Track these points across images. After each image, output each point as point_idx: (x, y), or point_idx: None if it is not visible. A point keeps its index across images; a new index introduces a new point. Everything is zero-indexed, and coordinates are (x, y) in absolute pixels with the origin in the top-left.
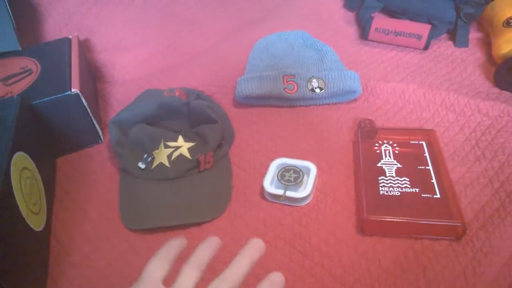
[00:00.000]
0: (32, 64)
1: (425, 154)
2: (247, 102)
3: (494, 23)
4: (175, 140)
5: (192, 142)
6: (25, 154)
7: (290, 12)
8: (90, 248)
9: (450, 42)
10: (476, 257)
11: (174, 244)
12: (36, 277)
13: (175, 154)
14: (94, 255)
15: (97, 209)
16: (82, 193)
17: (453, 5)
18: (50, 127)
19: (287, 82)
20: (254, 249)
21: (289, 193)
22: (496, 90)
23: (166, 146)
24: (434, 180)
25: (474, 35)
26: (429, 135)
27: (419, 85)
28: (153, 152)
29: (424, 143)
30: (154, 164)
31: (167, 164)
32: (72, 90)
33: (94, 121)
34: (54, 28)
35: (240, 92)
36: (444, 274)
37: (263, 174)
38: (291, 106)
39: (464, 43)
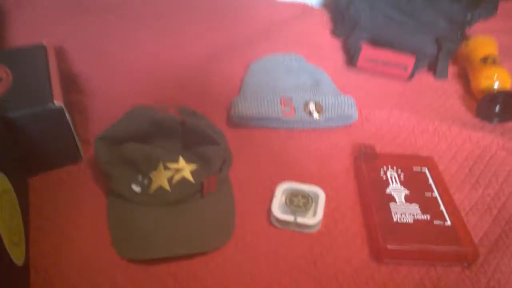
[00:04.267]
0: (1, 71)
1: (429, 181)
2: (242, 122)
3: (471, 59)
4: (176, 161)
5: (194, 164)
6: (3, 174)
7: (280, 35)
8: (80, 280)
9: (430, 73)
10: (490, 284)
11: None
12: None
13: (177, 177)
14: None
15: (84, 235)
16: (64, 218)
17: (433, 41)
18: (24, 142)
19: (284, 104)
20: None
21: (300, 219)
22: (477, 120)
23: (166, 168)
24: (442, 208)
25: (450, 68)
26: (429, 162)
27: (411, 113)
28: (150, 174)
29: (426, 169)
30: (153, 188)
31: (167, 188)
32: (55, 103)
33: (76, 138)
34: (22, 32)
35: (236, 112)
36: None
37: (266, 199)
38: (288, 128)
39: (444, 75)
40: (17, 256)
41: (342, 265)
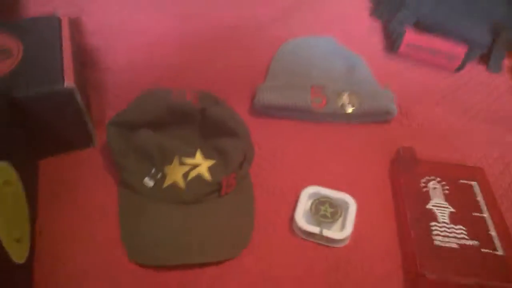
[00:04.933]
0: (13, 43)
1: (477, 198)
2: (266, 112)
3: None
4: (193, 156)
5: (212, 159)
6: (7, 163)
7: (313, 15)
8: (85, 278)
9: (481, 65)
10: None
11: None
12: None
13: (192, 173)
14: None
15: (93, 231)
16: (73, 207)
17: (489, 28)
18: (31, 124)
19: (314, 94)
20: None
21: (326, 232)
22: None
23: (182, 163)
24: (493, 232)
25: (505, 61)
26: (478, 174)
27: (457, 112)
28: (165, 167)
29: (475, 183)
30: (166, 183)
31: (182, 185)
32: (66, 84)
33: (88, 122)
34: (35, 2)
35: (260, 100)
36: None
37: (289, 202)
38: (316, 121)
39: (497, 68)
40: (18, 254)
41: None
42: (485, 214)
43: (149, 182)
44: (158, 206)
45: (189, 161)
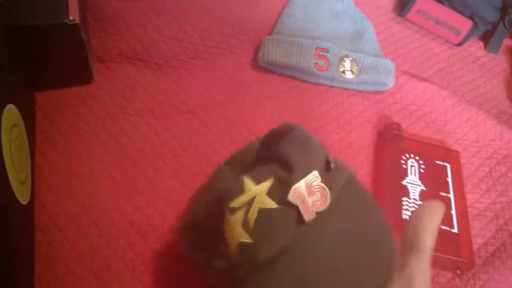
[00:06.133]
0: None
1: (447, 179)
2: (268, 67)
3: None
4: (240, 191)
5: (266, 180)
6: (14, 107)
7: None
8: (83, 219)
9: (480, 43)
10: None
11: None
12: (23, 261)
13: (252, 214)
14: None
15: (88, 169)
16: (69, 146)
17: (498, 6)
18: (32, 55)
19: (318, 56)
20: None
21: None
22: None
23: (232, 211)
24: (453, 212)
25: (504, 41)
26: (453, 157)
27: (449, 92)
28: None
29: (448, 166)
30: (233, 250)
31: (247, 238)
32: (71, 17)
33: (89, 57)
34: None
35: (265, 55)
36: None
37: None
38: (315, 83)
39: (496, 49)
40: (23, 195)
41: None
42: (451, 195)
43: (220, 264)
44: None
45: (239, 200)
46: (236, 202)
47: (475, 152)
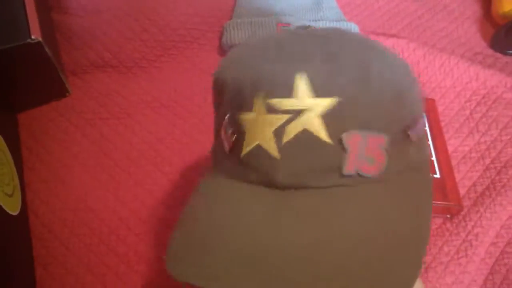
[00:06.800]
0: None
1: (425, 128)
2: None
3: None
4: (289, 93)
5: (332, 97)
6: None
7: None
8: (76, 223)
9: None
10: (467, 238)
11: None
12: (24, 268)
13: (292, 128)
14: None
15: (76, 176)
16: (54, 157)
17: None
18: (3, 80)
19: (280, 32)
20: None
21: None
22: (490, 52)
23: (271, 110)
24: (434, 158)
25: None
26: (429, 104)
27: (419, 43)
28: (241, 115)
29: (424, 115)
30: (246, 148)
31: (273, 151)
32: (33, 37)
33: (59, 71)
34: None
35: (228, 40)
36: (440, 256)
37: None
38: None
39: None
40: (11, 207)
41: None
42: (430, 142)
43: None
44: (237, 190)
45: (285, 103)
46: (281, 103)
47: (453, 97)
